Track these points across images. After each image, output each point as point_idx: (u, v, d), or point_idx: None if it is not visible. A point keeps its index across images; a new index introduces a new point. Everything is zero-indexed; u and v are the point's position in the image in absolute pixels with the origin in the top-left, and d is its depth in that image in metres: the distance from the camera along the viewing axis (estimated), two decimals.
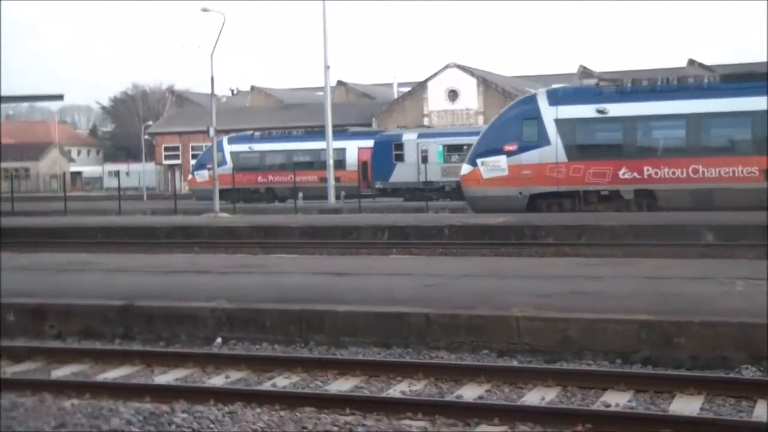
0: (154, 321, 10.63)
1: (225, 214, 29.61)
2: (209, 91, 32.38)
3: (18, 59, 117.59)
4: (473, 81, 57.57)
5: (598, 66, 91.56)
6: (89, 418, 6.80)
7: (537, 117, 26.87)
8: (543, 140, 26.61)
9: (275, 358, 9.36)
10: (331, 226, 23.99)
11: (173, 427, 6.53)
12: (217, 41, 33.16)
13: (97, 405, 7.30)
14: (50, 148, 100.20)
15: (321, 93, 43.97)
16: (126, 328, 10.69)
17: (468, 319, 9.50)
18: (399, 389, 8.17)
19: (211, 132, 30.46)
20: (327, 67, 40.17)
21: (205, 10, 32.74)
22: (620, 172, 25.77)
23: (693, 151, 25.34)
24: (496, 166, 27.12)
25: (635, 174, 25.65)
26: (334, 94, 49.62)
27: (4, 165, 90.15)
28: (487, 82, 57.66)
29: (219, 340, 10.22)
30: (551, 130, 26.57)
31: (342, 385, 8.34)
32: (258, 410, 7.21)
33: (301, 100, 68.42)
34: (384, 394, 7.98)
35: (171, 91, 67.38)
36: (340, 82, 65.55)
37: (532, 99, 28.09)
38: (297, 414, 7.02)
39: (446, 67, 58.43)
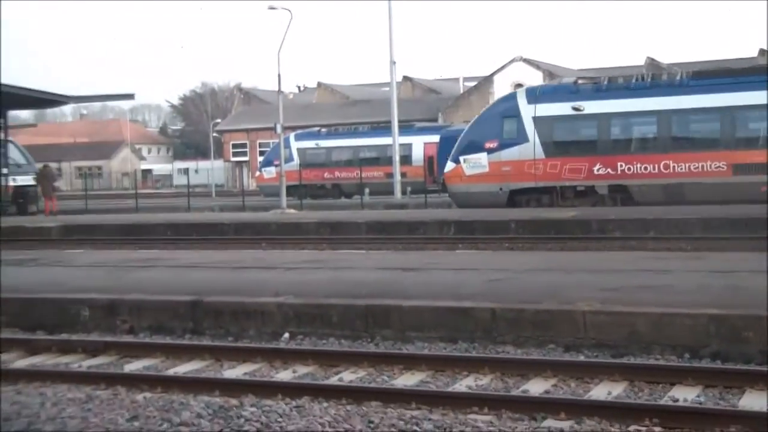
0: (222, 316, 10.80)
1: (292, 210, 29.86)
2: (276, 88, 32.69)
3: (91, 60, 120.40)
4: (539, 74, 57.02)
5: (667, 57, 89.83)
6: (161, 411, 6.94)
7: (516, 115, 27.66)
8: (522, 137, 27.35)
9: (342, 352, 9.43)
10: (398, 222, 24.03)
11: (242, 420, 6.61)
12: (283, 38, 33.56)
13: (169, 398, 7.46)
14: (122, 146, 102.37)
15: (387, 88, 43.99)
16: (195, 324, 10.89)
17: (534, 314, 9.45)
18: (465, 384, 8.17)
19: (278, 129, 30.74)
20: (393, 63, 40.22)
21: (272, 8, 33.05)
22: (595, 168, 26.51)
23: (664, 146, 26.00)
24: (477, 163, 27.93)
25: (609, 170, 26.33)
26: (400, 89, 49.62)
27: (78, 164, 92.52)
28: (553, 76, 56.98)
29: (286, 335, 10.34)
30: (529, 127, 27.32)
31: (408, 380, 8.37)
32: (325, 404, 7.27)
33: (367, 96, 68.59)
34: (450, 389, 7.99)
35: (239, 88, 68.23)
36: (406, 78, 65.57)
37: (512, 97, 28.92)
38: (363, 408, 7.07)
39: (512, 60, 58.01)
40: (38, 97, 33.37)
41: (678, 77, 27.44)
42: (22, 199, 35.27)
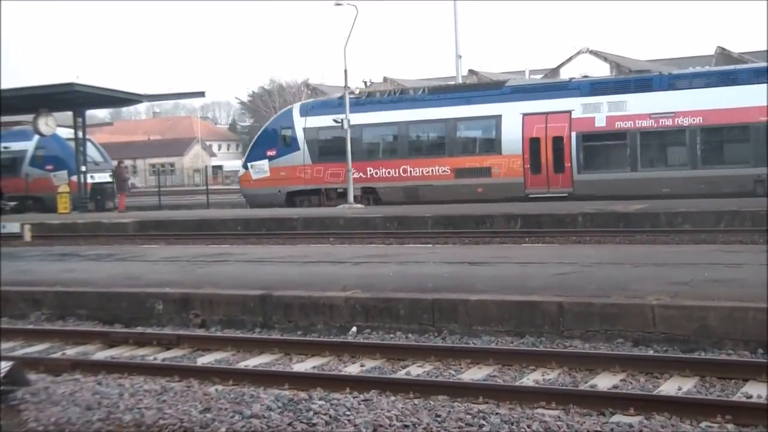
0: (291, 310, 10.97)
1: (359, 205, 30.02)
2: (343, 84, 32.80)
3: (163, 60, 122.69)
4: (606, 66, 56.13)
5: (738, 46, 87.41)
6: (232, 403, 7.08)
7: (291, 126, 31.84)
8: (294, 147, 31.50)
9: (409, 346, 9.50)
10: (464, 216, 23.96)
11: (311, 413, 6.70)
12: (349, 34, 33.56)
13: (240, 391, 7.61)
14: (193, 143, 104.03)
15: (452, 83, 43.87)
16: (265, 317, 11.08)
17: (602, 308, 9.38)
18: (532, 378, 8.17)
19: (346, 125, 30.87)
20: (458, 57, 40.11)
21: (338, 4, 33.22)
22: (343, 171, 30.30)
23: (403, 154, 30.17)
24: (261, 168, 32.10)
25: (361, 174, 30.24)
26: (465, 83, 49.37)
27: (152, 161, 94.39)
28: (620, 67, 56.11)
29: (354, 329, 10.45)
30: (300, 137, 31.53)
31: (475, 374, 8.40)
32: (392, 398, 7.34)
33: None
34: (517, 383, 8.01)
35: (306, 84, 68.71)
36: (471, 71, 65.15)
37: (289, 111, 33.27)
38: (431, 402, 7.11)
39: (578, 53, 57.23)
40: (114, 96, 34.20)
41: (418, 93, 31.63)
42: (99, 195, 36.27)
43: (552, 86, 30.31)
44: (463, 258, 14.37)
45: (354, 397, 7.27)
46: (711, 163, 26.33)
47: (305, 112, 32.09)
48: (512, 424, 6.39)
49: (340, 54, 34.25)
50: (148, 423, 6.56)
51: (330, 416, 6.62)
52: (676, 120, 26.85)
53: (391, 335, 10.17)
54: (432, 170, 29.61)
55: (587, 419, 6.69)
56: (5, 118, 39.91)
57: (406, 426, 6.33)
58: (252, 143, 33.70)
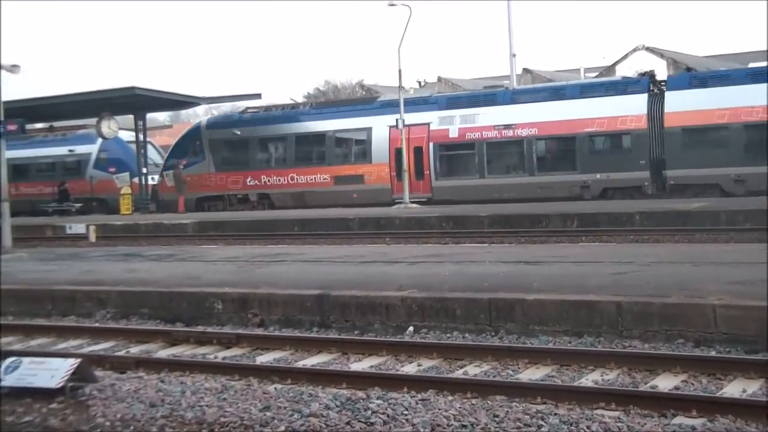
0: (348, 310, 11.04)
1: (415, 205, 30.07)
2: (397, 84, 32.88)
3: (221, 62, 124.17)
4: (663, 63, 55.16)
5: None
6: (291, 402, 7.16)
7: (199, 138, 35.54)
8: (202, 157, 35.16)
9: (466, 346, 9.50)
10: (520, 215, 23.86)
11: (368, 413, 6.75)
12: (403, 34, 33.63)
13: (298, 390, 7.69)
14: None
15: (507, 81, 43.57)
16: (322, 317, 11.17)
17: (661, 307, 9.26)
18: (591, 378, 8.11)
19: (400, 125, 30.95)
20: (513, 55, 39.80)
21: (391, 4, 33.30)
22: (247, 180, 34.16)
23: (291, 163, 33.64)
24: (173, 177, 35.45)
25: (257, 181, 33.87)
26: (520, 81, 48.93)
27: None
28: (677, 64, 55.05)
29: (411, 328, 10.47)
30: (207, 148, 35.13)
31: (533, 374, 8.37)
32: (450, 398, 7.36)
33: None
34: (576, 384, 7.95)
35: (360, 85, 68.83)
36: (525, 70, 64.71)
37: (198, 125, 37.23)
38: (488, 402, 7.10)
39: (635, 49, 56.36)
40: (173, 99, 34.80)
41: (306, 107, 35.84)
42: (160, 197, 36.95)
43: (415, 100, 33.07)
44: (519, 257, 14.32)
45: (411, 397, 7.30)
46: (545, 170, 29.51)
47: (211, 125, 36.05)
48: (571, 424, 6.35)
49: (394, 54, 34.31)
50: (210, 420, 6.67)
51: (388, 415, 6.65)
52: (515, 131, 30.01)
53: (448, 335, 10.18)
54: (315, 178, 33.23)
55: (648, 420, 6.63)
56: (70, 122, 40.97)
57: (464, 426, 6.34)
58: (167, 154, 37.33)
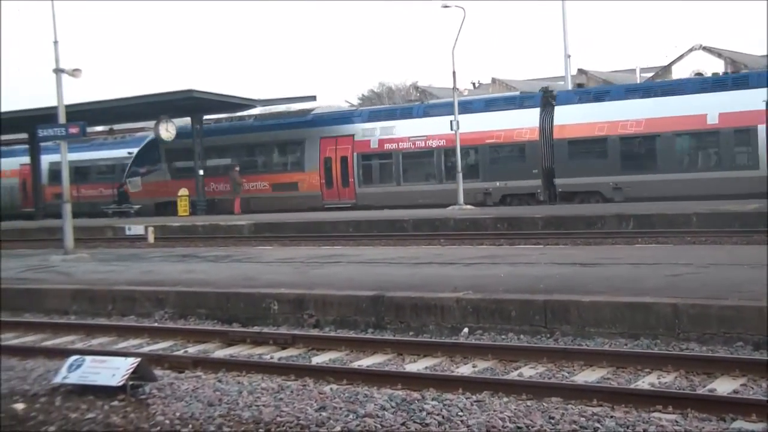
0: (403, 311, 11.08)
1: (469, 206, 30.03)
2: (451, 86, 32.87)
3: (276, 65, 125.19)
4: (721, 63, 54.14)
5: None
6: (346, 402, 7.23)
7: (157, 149, 38.06)
8: (159, 165, 38.51)
9: (521, 347, 9.48)
10: (575, 216, 23.66)
11: (424, 414, 6.77)
12: (457, 36, 33.59)
13: (354, 390, 7.76)
14: None
15: (562, 82, 43.19)
16: (377, 318, 11.22)
17: (719, 310, 9.14)
18: (648, 381, 8.03)
19: (455, 126, 30.94)
20: (567, 56, 39.53)
21: (445, 6, 33.29)
22: (197, 188, 36.29)
23: (224, 171, 36.53)
24: (135, 183, 38.97)
25: (206, 188, 35.93)
26: (574, 82, 48.45)
27: None
28: (735, 64, 54.01)
29: (465, 329, 10.48)
30: (163, 158, 38.32)
31: (588, 376, 8.32)
32: (505, 399, 7.35)
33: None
34: (632, 386, 7.88)
35: (415, 87, 68.88)
36: (580, 71, 64.07)
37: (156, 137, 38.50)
38: (544, 404, 7.08)
39: (691, 49, 55.45)
40: (229, 102, 35.19)
41: (250, 120, 38.48)
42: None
43: (343, 114, 36.29)
44: (574, 259, 14.21)
45: (467, 398, 7.32)
46: (451, 179, 31.26)
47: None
48: (628, 427, 6.32)
49: (448, 56, 34.30)
50: (266, 420, 6.76)
51: (443, 417, 6.68)
52: (427, 143, 32.49)
53: (503, 336, 10.16)
54: (257, 185, 35.90)
55: (706, 424, 6.56)
56: (129, 125, 41.71)
57: (519, 428, 6.34)
58: (130, 163, 40.08)
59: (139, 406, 7.31)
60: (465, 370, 8.92)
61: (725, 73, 31.03)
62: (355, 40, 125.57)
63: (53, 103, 21.57)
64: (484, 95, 39.00)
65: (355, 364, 9.43)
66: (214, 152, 36.87)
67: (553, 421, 6.49)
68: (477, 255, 15.94)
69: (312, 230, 26.67)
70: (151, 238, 27.01)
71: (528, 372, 8.63)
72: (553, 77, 62.22)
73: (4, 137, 45.76)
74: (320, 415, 6.86)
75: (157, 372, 8.56)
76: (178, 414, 7.02)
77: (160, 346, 11.08)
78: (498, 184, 31.16)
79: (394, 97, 66.71)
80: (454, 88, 32.47)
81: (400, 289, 11.67)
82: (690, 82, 30.07)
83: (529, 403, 7.15)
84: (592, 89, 33.17)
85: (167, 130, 34.85)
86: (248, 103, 36.53)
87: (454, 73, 32.70)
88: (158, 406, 7.29)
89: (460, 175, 30.50)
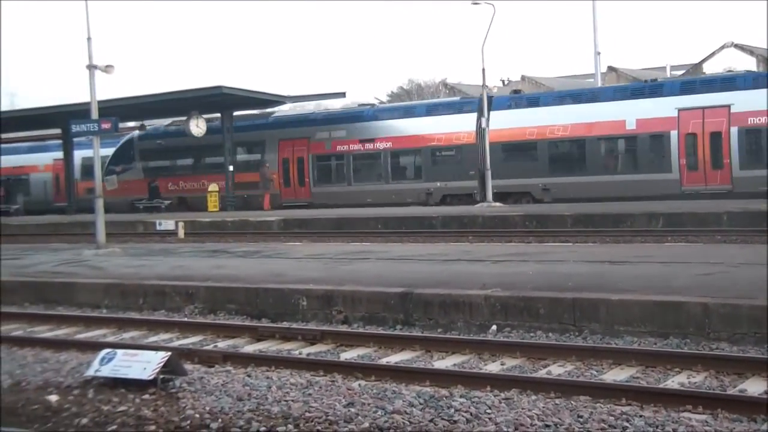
0: (431, 308, 11.08)
1: (498, 204, 29.97)
2: (480, 83, 32.84)
3: (305, 62, 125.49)
4: (753, 60, 53.47)
5: None
6: (375, 398, 7.27)
7: (132, 149, 41.08)
8: (133, 165, 40.75)
9: (549, 345, 9.45)
10: (604, 214, 23.54)
11: (452, 410, 6.79)
12: (487, 33, 33.65)
13: (382, 387, 7.80)
14: None
15: (592, 80, 42.93)
16: (406, 315, 11.24)
17: (750, 310, 9.05)
18: (677, 381, 7.98)
19: (483, 123, 30.91)
20: (597, 53, 39.32)
21: (475, 3, 33.24)
22: (168, 185, 39.32)
23: (202, 170, 38.71)
24: (112, 182, 40.81)
25: (176, 186, 38.79)
26: (604, 80, 48.09)
27: None
28: None
29: (494, 327, 10.47)
30: (137, 158, 40.72)
31: (617, 375, 8.29)
32: (533, 397, 7.34)
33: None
34: (662, 385, 7.83)
35: (444, 84, 68.73)
36: (610, 68, 63.61)
37: (132, 137, 41.76)
38: (572, 402, 7.07)
39: (722, 47, 54.81)
40: (259, 98, 35.38)
41: (216, 122, 38.79)
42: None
43: (298, 117, 38.17)
44: (603, 257, 14.15)
45: (495, 396, 7.33)
46: (397, 179, 33.88)
47: (142, 137, 41.14)
48: (657, 427, 6.29)
49: (478, 53, 34.23)
50: (295, 415, 6.81)
51: (471, 414, 6.70)
52: (375, 145, 34.29)
53: (531, 334, 10.14)
54: (221, 184, 37.11)
55: (737, 425, 6.51)
56: (160, 121, 42.14)
57: (547, 426, 6.34)
58: (107, 162, 41.30)
59: (169, 400, 7.40)
60: (493, 367, 8.92)
61: (646, 81, 32.57)
62: (385, 36, 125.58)
63: (85, 99, 21.84)
64: (427, 101, 40.74)
65: (384, 361, 9.45)
66: (181, 153, 38.93)
67: (581, 419, 6.48)
68: (505, 252, 15.91)
69: (341, 226, 26.74)
70: (181, 234, 27.22)
71: (556, 370, 8.61)
72: (583, 74, 61.79)
73: (38, 133, 46.45)
74: (349, 410, 6.90)
75: (188, 366, 8.65)
76: (207, 408, 7.10)
77: (190, 340, 11.18)
78: (438, 184, 32.99)
79: (423, 93, 66.62)
80: (483, 85, 32.43)
81: (429, 286, 11.68)
82: (612, 89, 31.48)
83: (557, 401, 7.14)
84: (525, 95, 34.85)
85: (197, 126, 35.12)
86: (277, 100, 36.71)
87: (483, 70, 32.68)
88: (188, 400, 7.37)
89: (489, 173, 30.57)
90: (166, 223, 29.14)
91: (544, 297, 10.43)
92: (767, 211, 20.65)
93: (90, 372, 8.17)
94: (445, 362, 9.25)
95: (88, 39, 21.14)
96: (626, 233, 20.90)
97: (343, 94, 38.76)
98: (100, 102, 21.70)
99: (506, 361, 9.07)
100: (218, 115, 37.03)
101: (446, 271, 13.29)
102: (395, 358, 9.56)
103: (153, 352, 8.22)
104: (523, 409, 6.78)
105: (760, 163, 27.27)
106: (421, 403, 7.04)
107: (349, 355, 9.88)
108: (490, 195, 30.37)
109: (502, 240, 20.87)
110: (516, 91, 37.03)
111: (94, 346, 10.19)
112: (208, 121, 37.05)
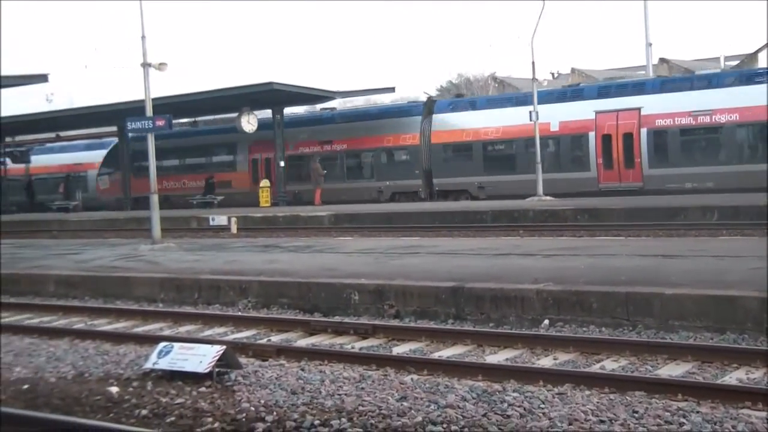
0: (483, 302, 11.08)
1: (549, 198, 29.76)
2: (530, 76, 32.62)
3: (354, 57, 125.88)
4: None
5: None
6: (427, 393, 7.29)
7: (117, 150, 42.60)
8: (124, 165, 41.77)
9: (603, 340, 9.39)
10: (656, 208, 23.24)
11: (505, 405, 6.78)
12: (536, 25, 33.35)
13: (434, 381, 7.82)
14: None
15: (643, 72, 42.34)
16: (457, 309, 11.25)
17: None
18: (735, 376, 7.88)
19: (533, 116, 30.71)
20: (648, 45, 38.78)
21: None
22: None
23: (183, 170, 41.97)
24: (104, 181, 44.86)
25: (159, 186, 39.28)
26: (656, 72, 47.40)
27: None
28: None
29: (546, 321, 10.44)
30: (127, 157, 41.47)
31: (673, 370, 8.21)
32: (587, 392, 7.31)
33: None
34: (719, 381, 7.74)
35: (493, 77, 68.35)
36: (662, 60, 62.68)
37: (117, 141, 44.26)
38: (627, 398, 7.03)
39: None
40: (309, 94, 35.54)
41: (200, 126, 44.00)
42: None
43: (265, 122, 39.03)
44: (656, 251, 13.98)
45: (548, 390, 7.31)
46: (353, 178, 36.54)
47: (132, 139, 42.03)
48: (715, 423, 6.20)
49: (527, 46, 33.98)
50: (348, 409, 6.86)
51: (524, 409, 6.68)
52: (333, 146, 36.94)
53: (584, 329, 10.09)
54: (198, 183, 39.89)
55: None
56: (212, 118, 42.61)
57: (602, 421, 6.30)
58: (101, 163, 45.45)
59: (225, 393, 7.52)
60: (546, 362, 8.89)
61: (569, 86, 34.81)
62: (434, 30, 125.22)
63: (139, 96, 22.16)
64: (381, 105, 42.19)
65: (436, 355, 9.48)
66: (165, 154, 39.86)
67: (636, 415, 6.43)
68: (557, 246, 15.81)
69: (391, 221, 26.79)
70: (234, 229, 27.51)
71: (610, 365, 8.55)
72: (634, 66, 61.02)
73: (95, 130, 47.35)
74: (401, 404, 6.93)
75: (242, 360, 8.78)
76: (262, 401, 7.19)
77: (244, 334, 11.32)
78: (388, 183, 35.58)
79: (472, 88, 66.31)
80: (533, 79, 32.20)
81: (480, 280, 11.67)
82: (539, 93, 32.52)
83: (611, 396, 7.10)
84: (464, 100, 36.98)
85: (249, 122, 35.39)
86: (327, 95, 36.83)
87: (533, 63, 32.44)
88: (243, 393, 7.48)
89: (539, 167, 30.39)
90: (219, 219, 29.46)
91: (597, 291, 10.37)
92: (767, 206, 20.63)
93: (148, 364, 8.33)
94: (497, 357, 9.25)
95: (143, 37, 21.45)
96: (679, 227, 20.60)
97: (392, 89, 38.71)
98: (154, 99, 22.00)
99: (559, 356, 9.04)
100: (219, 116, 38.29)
101: (497, 266, 13.25)
102: (447, 353, 9.58)
103: (208, 346, 8.35)
104: (576, 404, 6.75)
105: (667, 162, 29.49)
106: (473, 398, 7.04)
107: (401, 349, 9.93)
108: (540, 189, 30.17)
109: (553, 234, 20.73)
110: (458, 95, 38.96)
111: (152, 340, 10.40)
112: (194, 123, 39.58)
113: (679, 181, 28.79)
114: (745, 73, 31.31)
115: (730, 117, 28.51)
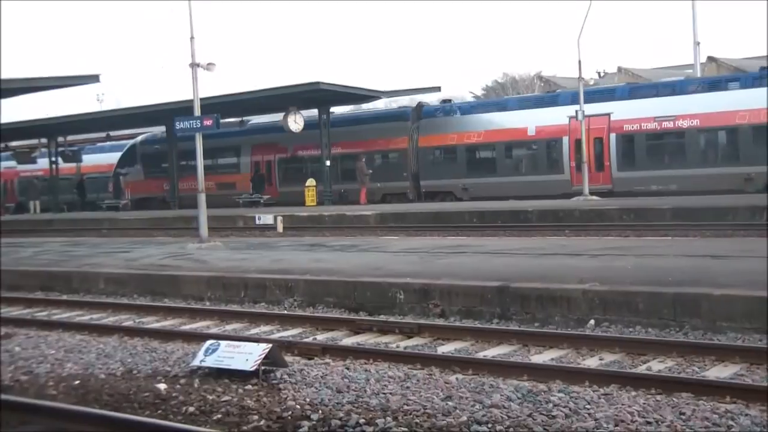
0: (528, 302, 11.05)
1: (595, 197, 29.52)
2: (576, 75, 32.36)
3: (401, 55, 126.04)
4: None
5: None
6: (472, 392, 7.29)
7: (135, 153, 46.52)
8: (136, 167, 45.71)
9: (649, 341, 9.31)
10: (704, 208, 22.93)
11: (550, 405, 6.76)
12: (583, 24, 33.05)
13: (479, 381, 7.81)
14: None
15: (690, 71, 41.74)
16: (503, 309, 11.22)
17: None
18: None
19: (580, 116, 30.51)
20: (696, 43, 38.25)
21: None
22: (165, 185, 42.43)
23: (190, 172, 37.44)
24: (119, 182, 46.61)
25: (169, 186, 41.75)
26: (704, 70, 46.69)
27: None
28: None
29: (592, 321, 10.37)
30: (140, 161, 45.77)
31: (721, 372, 8.11)
32: (633, 393, 7.25)
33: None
34: None
35: (539, 76, 67.89)
36: (710, 58, 61.72)
37: (135, 143, 47.32)
38: (674, 399, 6.96)
39: None
40: (355, 93, 35.63)
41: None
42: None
43: (266, 125, 41.45)
44: (704, 251, 13.80)
45: (594, 391, 7.27)
46: (346, 180, 37.28)
47: (143, 142, 46.46)
48: (764, 426, 6.12)
49: (574, 45, 33.74)
50: (394, 408, 6.89)
51: (570, 409, 6.66)
52: (312, 151, 38.17)
53: (630, 329, 10.01)
54: (207, 185, 41.32)
55: None
56: (258, 117, 42.98)
57: (648, 422, 6.26)
58: (116, 165, 47.39)
59: (271, 391, 7.60)
60: (592, 362, 8.84)
61: (547, 92, 36.35)
62: (480, 30, 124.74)
63: (188, 96, 22.42)
64: (373, 110, 43.69)
65: (481, 355, 9.47)
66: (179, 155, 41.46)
67: (684, 416, 6.37)
68: (603, 246, 15.69)
69: (436, 221, 26.77)
70: (279, 228, 27.71)
71: (657, 366, 8.48)
72: (682, 65, 60.16)
73: (144, 130, 48.08)
74: (447, 404, 6.94)
75: (288, 358, 8.86)
76: (308, 399, 7.25)
77: (290, 332, 11.41)
78: (379, 185, 36.74)
79: (518, 87, 65.94)
80: (580, 78, 31.94)
81: (525, 279, 11.63)
82: (517, 99, 34.80)
83: (658, 397, 7.04)
84: (449, 105, 37.81)
85: (295, 122, 35.59)
86: (373, 95, 36.91)
87: (579, 62, 32.17)
88: (289, 392, 7.55)
89: (585, 166, 30.18)
90: (265, 218, 29.68)
91: (644, 292, 10.28)
92: (767, 206, 20.74)
93: (195, 362, 8.45)
94: (543, 356, 9.21)
95: (191, 38, 21.69)
96: (728, 227, 20.31)
97: (438, 89, 38.67)
98: (201, 99, 22.24)
99: (605, 356, 8.98)
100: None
101: (543, 265, 13.19)
102: (492, 352, 9.56)
103: (255, 344, 8.44)
104: (623, 405, 6.71)
105: (634, 165, 31.06)
106: (519, 398, 7.03)
107: (446, 348, 9.93)
108: (587, 189, 29.98)
109: (599, 234, 20.57)
110: (445, 101, 39.63)
111: (199, 337, 10.54)
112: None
113: (645, 183, 30.31)
114: (706, 80, 32.99)
115: (692, 122, 30.06)
